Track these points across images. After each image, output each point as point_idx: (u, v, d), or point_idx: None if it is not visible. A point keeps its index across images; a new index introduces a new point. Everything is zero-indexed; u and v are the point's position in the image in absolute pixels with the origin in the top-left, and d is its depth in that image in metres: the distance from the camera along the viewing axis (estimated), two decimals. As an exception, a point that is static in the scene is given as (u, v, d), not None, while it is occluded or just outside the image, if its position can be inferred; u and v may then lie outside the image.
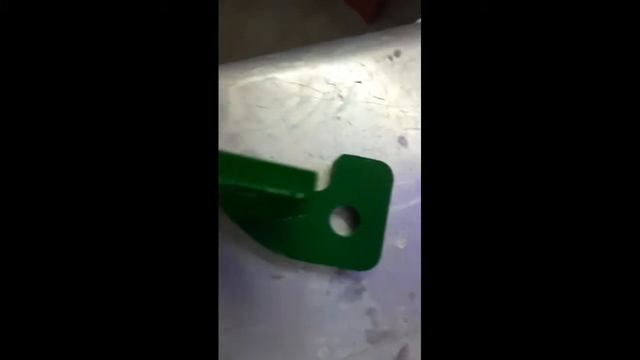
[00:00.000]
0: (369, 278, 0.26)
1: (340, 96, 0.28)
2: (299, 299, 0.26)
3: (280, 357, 0.25)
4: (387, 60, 0.29)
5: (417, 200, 0.27)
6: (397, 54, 0.30)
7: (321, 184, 0.26)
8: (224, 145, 0.26)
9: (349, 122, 0.28)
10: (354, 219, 0.26)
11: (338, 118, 0.28)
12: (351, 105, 0.28)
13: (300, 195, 0.21)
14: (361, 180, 0.26)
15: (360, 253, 0.25)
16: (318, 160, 0.27)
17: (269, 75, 0.28)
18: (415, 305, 0.26)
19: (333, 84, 0.28)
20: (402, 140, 0.28)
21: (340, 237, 0.26)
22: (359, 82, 0.29)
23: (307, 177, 0.24)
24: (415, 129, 0.29)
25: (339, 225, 0.26)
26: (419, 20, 0.33)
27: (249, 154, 0.26)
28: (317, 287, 0.26)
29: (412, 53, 0.30)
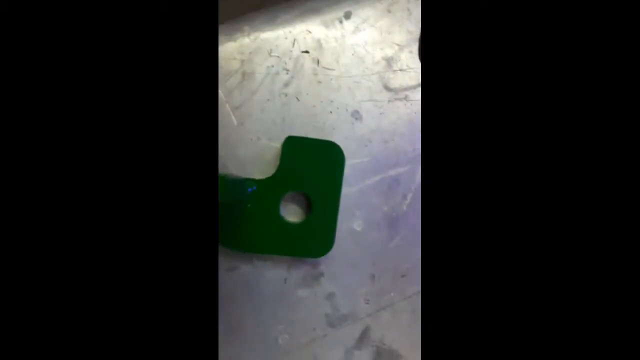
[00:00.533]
0: (326, 263, 0.25)
1: (286, 69, 0.26)
2: (255, 289, 0.25)
3: (240, 347, 0.25)
4: (337, 23, 0.27)
5: (373, 179, 0.26)
6: (348, 15, 0.27)
7: (270, 170, 0.25)
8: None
9: (297, 98, 0.26)
10: (306, 205, 0.25)
11: (285, 94, 0.26)
12: (298, 78, 0.26)
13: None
14: (310, 163, 0.25)
15: (313, 239, 0.24)
16: (266, 142, 0.25)
17: (206, 52, 0.25)
18: (377, 286, 0.26)
19: (277, 56, 0.26)
20: (356, 115, 0.26)
21: (291, 224, 0.24)
22: (306, 52, 0.26)
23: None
24: (371, 100, 0.26)
25: (291, 212, 0.25)
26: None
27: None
28: (273, 275, 0.25)
29: (364, 13, 0.27)
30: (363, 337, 0.26)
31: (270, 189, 0.24)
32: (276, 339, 0.25)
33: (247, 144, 0.25)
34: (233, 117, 0.25)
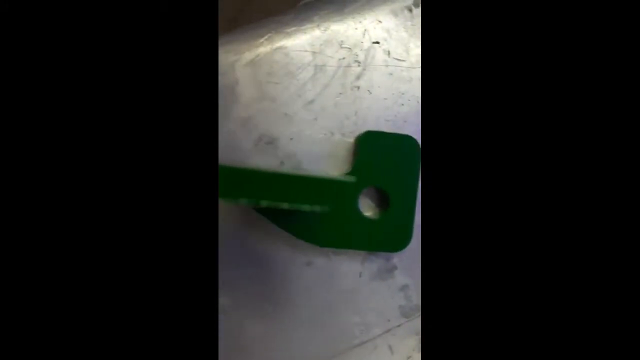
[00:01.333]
0: (400, 256, 0.26)
1: (357, 62, 0.26)
2: (331, 283, 0.25)
3: (319, 338, 0.26)
4: (406, 12, 0.26)
5: (446, 172, 0.26)
6: (417, 3, 0.26)
7: (346, 166, 0.25)
8: (237, 131, 0.24)
9: (369, 91, 0.26)
10: (383, 200, 0.25)
11: (357, 88, 0.25)
12: (369, 70, 0.26)
13: (325, 209, 0.20)
14: (387, 158, 0.25)
15: (391, 235, 0.25)
16: (339, 138, 0.25)
17: (278, 45, 0.25)
18: (447, 277, 0.26)
19: (348, 48, 0.25)
20: (427, 107, 0.26)
21: (369, 220, 0.25)
22: (377, 42, 0.26)
23: (333, 186, 0.22)
24: (440, 91, 0.26)
25: (367, 207, 0.25)
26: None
27: (265, 139, 0.24)
28: (348, 269, 0.26)
29: None
30: (434, 326, 0.27)
31: (349, 185, 0.24)
32: (353, 330, 0.26)
33: (322, 139, 0.25)
34: (306, 112, 0.25)
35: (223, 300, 0.24)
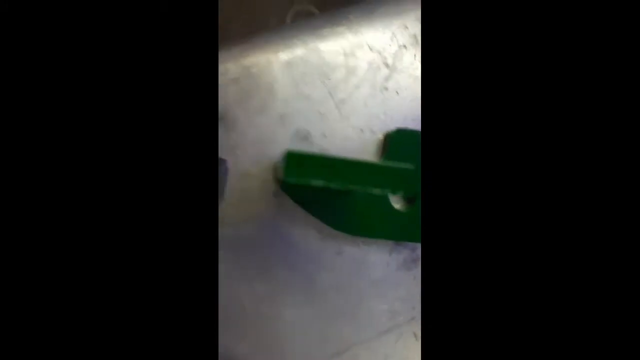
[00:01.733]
0: (425, 247, 0.27)
1: (386, 64, 0.27)
2: (361, 272, 0.27)
3: (348, 325, 0.27)
4: (430, 19, 0.28)
5: (467, 168, 0.28)
6: (440, 11, 0.28)
7: (375, 159, 0.26)
8: (274, 125, 0.26)
9: (397, 93, 0.27)
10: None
11: (385, 89, 0.27)
12: (397, 73, 0.27)
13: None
14: (415, 154, 0.26)
15: (417, 226, 0.26)
16: (369, 135, 0.27)
17: (312, 46, 0.26)
18: (468, 267, 0.28)
19: (378, 51, 0.27)
20: (449, 107, 0.28)
21: (398, 212, 0.26)
22: (404, 46, 0.27)
23: (401, 173, 0.22)
24: (461, 93, 0.28)
25: (396, 200, 0.27)
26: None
27: (300, 134, 0.26)
28: (377, 259, 0.27)
29: (454, 10, 0.28)
30: (455, 314, 0.28)
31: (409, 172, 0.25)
32: (380, 317, 0.27)
33: (352, 136, 0.27)
34: (338, 111, 0.27)
35: (259, 287, 0.26)
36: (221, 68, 0.25)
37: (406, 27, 0.28)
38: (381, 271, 0.27)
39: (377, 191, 0.20)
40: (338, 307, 0.27)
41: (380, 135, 0.27)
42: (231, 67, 0.25)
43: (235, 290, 0.25)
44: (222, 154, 0.25)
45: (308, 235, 0.26)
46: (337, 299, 0.27)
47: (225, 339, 0.25)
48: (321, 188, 0.20)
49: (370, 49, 0.27)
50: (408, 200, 0.27)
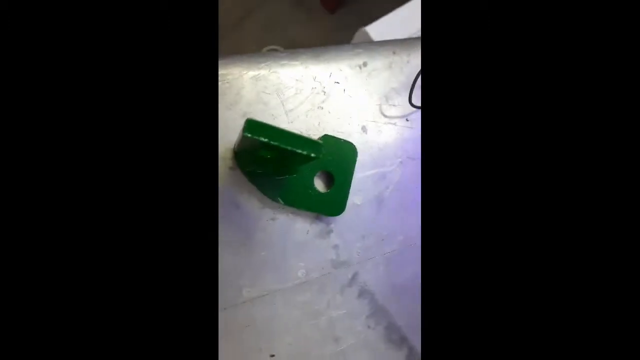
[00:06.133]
0: (336, 222, 0.37)
1: (324, 91, 0.38)
2: (287, 235, 0.36)
3: (273, 274, 0.35)
4: (358, 68, 0.40)
5: (371, 172, 0.39)
6: (365, 64, 0.40)
7: (308, 155, 0.37)
8: (238, 119, 0.36)
9: (329, 112, 0.38)
10: (329, 180, 0.37)
11: (321, 108, 0.38)
12: (330, 99, 0.39)
13: (313, 155, 0.30)
14: (336, 153, 0.37)
15: (332, 204, 0.36)
16: (307, 136, 0.37)
17: (274, 70, 0.37)
18: (366, 243, 0.38)
19: (319, 82, 0.38)
20: (364, 129, 0.39)
21: (319, 192, 0.36)
22: (337, 82, 0.39)
23: (315, 144, 0.32)
24: (373, 121, 0.40)
25: (319, 184, 0.37)
26: (384, 38, 0.44)
27: (257, 128, 0.36)
28: (301, 227, 0.36)
29: (375, 64, 0.41)
30: (353, 279, 0.38)
31: (309, 166, 0.36)
32: (297, 272, 0.36)
33: (294, 135, 0.37)
34: (286, 117, 0.37)
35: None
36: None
37: (340, 70, 0.39)
38: (303, 236, 0.36)
39: (300, 151, 0.30)
40: (267, 260, 0.35)
41: (315, 138, 0.37)
42: (214, 72, 0.35)
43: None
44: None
45: (251, 202, 0.35)
46: (266, 254, 0.35)
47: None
48: (265, 168, 0.29)
49: (314, 80, 0.38)
50: (327, 184, 0.37)
